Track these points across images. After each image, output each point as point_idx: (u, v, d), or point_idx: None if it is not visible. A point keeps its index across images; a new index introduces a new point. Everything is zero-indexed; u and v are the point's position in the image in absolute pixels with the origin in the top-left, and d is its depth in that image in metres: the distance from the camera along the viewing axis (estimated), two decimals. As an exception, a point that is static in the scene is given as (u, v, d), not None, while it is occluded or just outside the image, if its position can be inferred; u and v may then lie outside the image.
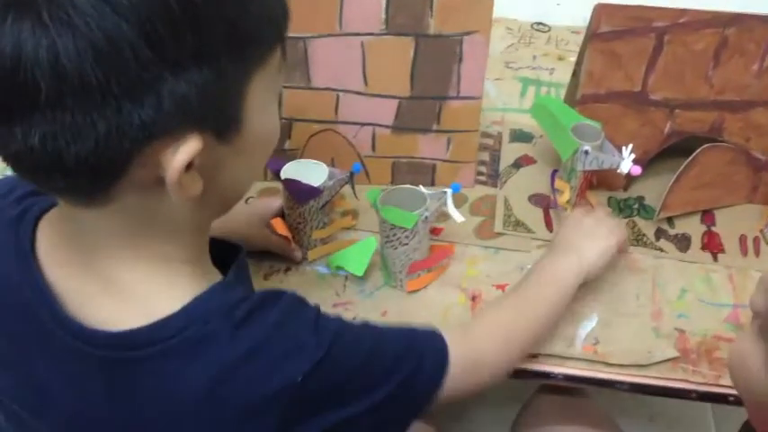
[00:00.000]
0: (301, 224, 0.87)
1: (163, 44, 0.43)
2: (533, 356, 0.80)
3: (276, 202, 0.89)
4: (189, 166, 0.48)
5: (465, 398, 0.70)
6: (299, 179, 0.83)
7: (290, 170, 0.84)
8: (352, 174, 0.86)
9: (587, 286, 0.87)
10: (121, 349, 0.52)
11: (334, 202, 0.89)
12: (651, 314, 0.85)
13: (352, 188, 0.89)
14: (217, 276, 0.58)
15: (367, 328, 0.62)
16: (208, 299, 0.53)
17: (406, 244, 0.82)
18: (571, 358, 0.81)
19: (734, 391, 0.78)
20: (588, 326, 0.83)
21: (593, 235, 0.84)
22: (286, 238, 0.87)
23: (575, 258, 0.81)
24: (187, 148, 0.47)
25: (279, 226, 0.86)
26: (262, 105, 0.53)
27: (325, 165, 0.86)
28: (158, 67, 0.44)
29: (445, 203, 0.84)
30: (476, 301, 0.85)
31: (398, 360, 0.61)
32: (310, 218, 0.86)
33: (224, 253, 0.60)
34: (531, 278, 0.80)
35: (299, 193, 0.84)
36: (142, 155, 0.46)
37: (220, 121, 0.50)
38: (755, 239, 0.94)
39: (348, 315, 0.83)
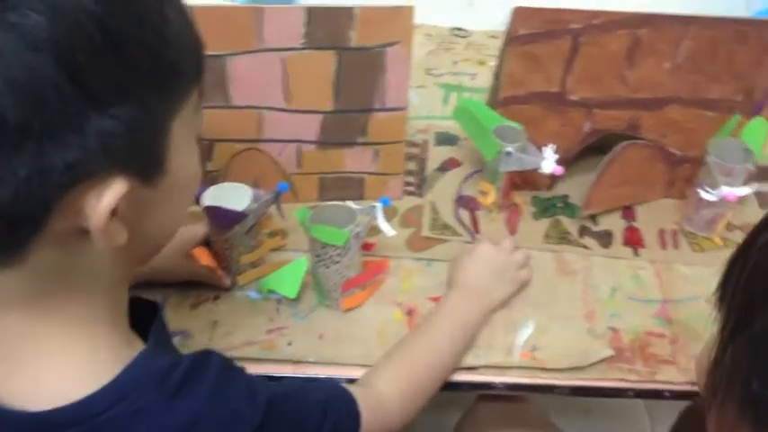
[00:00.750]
0: (227, 250, 0.84)
1: (86, 77, 0.41)
2: (472, 369, 0.80)
3: (200, 228, 0.85)
4: (113, 213, 0.45)
5: None
6: (221, 205, 0.80)
7: (211, 196, 0.81)
8: (278, 193, 0.84)
9: (521, 294, 0.88)
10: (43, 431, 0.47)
11: (261, 224, 0.87)
12: (584, 315, 0.86)
13: (278, 208, 0.87)
14: (137, 340, 0.55)
15: (290, 391, 0.61)
16: (136, 369, 0.50)
17: (338, 262, 0.81)
18: (510, 367, 0.81)
19: (669, 387, 0.80)
20: (525, 333, 0.84)
21: (502, 278, 0.85)
22: (210, 267, 0.84)
23: (485, 301, 0.83)
24: (113, 192, 0.44)
25: (202, 256, 0.83)
26: (184, 145, 0.51)
27: (247, 187, 0.83)
28: (82, 102, 0.41)
29: (375, 218, 0.83)
30: (412, 316, 0.85)
31: (320, 427, 0.62)
32: (237, 243, 0.84)
33: (137, 309, 0.57)
34: (439, 320, 0.80)
35: (221, 219, 0.81)
36: (64, 202, 0.43)
37: (146, 161, 0.47)
38: (673, 233, 0.97)
39: (283, 341, 0.82)
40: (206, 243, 0.85)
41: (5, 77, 0.39)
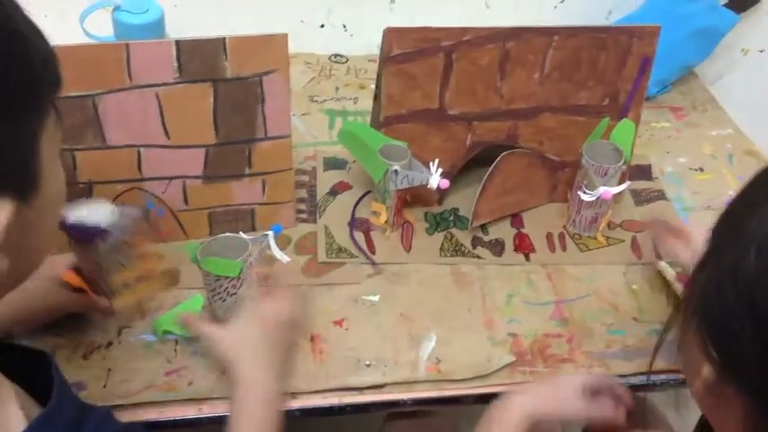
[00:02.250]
0: (96, 270, 0.79)
1: None
2: (379, 387, 0.80)
3: (65, 259, 0.81)
4: None
5: None
6: (83, 222, 0.75)
7: (74, 214, 0.75)
8: (146, 210, 0.81)
9: (422, 308, 0.89)
10: None
11: (134, 245, 0.81)
12: (484, 324, 0.88)
13: (148, 222, 0.84)
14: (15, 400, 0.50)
15: None
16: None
17: (235, 293, 0.79)
18: (417, 382, 0.81)
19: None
20: (428, 346, 0.85)
21: (279, 343, 0.73)
22: (83, 290, 0.80)
23: (273, 376, 0.72)
24: (4, 214, 0.44)
25: (72, 278, 0.80)
26: (51, 160, 0.50)
27: (109, 203, 0.78)
28: None
29: (268, 246, 0.82)
30: (315, 342, 0.84)
31: None
32: (105, 262, 0.79)
33: (25, 361, 0.53)
34: (245, 408, 0.69)
35: (82, 235, 0.76)
36: None
37: (22, 180, 0.47)
38: (560, 235, 1.00)
39: (183, 381, 0.79)
40: (76, 270, 0.81)
41: None
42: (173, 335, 0.82)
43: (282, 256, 0.83)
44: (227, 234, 0.81)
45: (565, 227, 1.01)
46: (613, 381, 0.79)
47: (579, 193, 0.95)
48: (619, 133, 0.95)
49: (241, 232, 0.81)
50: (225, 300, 0.79)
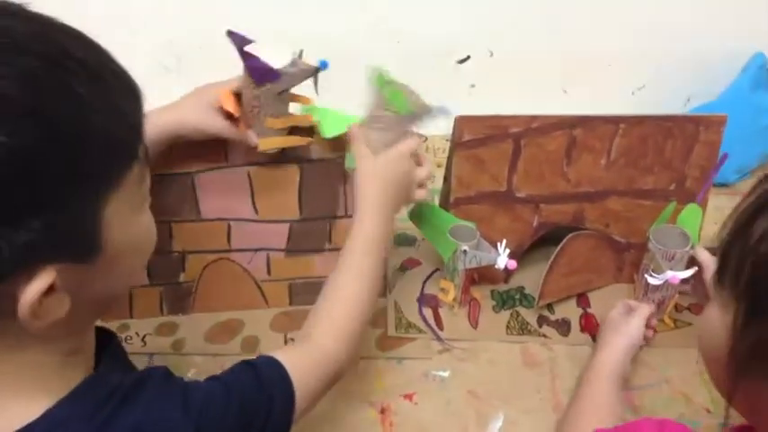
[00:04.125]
0: (256, 108, 0.83)
1: None
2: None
3: (226, 84, 0.84)
4: (49, 291, 0.47)
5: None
6: (260, 59, 0.80)
7: (254, 49, 0.81)
8: (317, 69, 0.82)
9: (490, 386, 0.91)
10: None
11: (297, 98, 0.86)
12: (553, 406, 0.89)
13: (315, 85, 0.84)
14: (87, 370, 0.57)
15: (222, 387, 0.63)
16: (69, 402, 0.52)
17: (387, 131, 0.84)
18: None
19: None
20: (495, 426, 0.87)
21: (400, 193, 0.86)
22: (232, 116, 0.83)
23: (387, 212, 0.84)
24: (37, 286, 0.47)
25: (228, 102, 0.82)
26: (124, 221, 0.52)
27: (291, 53, 0.82)
28: None
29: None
30: (386, 414, 0.88)
31: (254, 413, 0.63)
32: (265, 103, 0.83)
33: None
34: (352, 247, 0.81)
35: (255, 70, 0.80)
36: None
37: (74, 249, 0.49)
38: (627, 317, 1.01)
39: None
40: (236, 96, 0.84)
41: None
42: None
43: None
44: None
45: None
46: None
47: (646, 276, 0.96)
48: (686, 217, 0.97)
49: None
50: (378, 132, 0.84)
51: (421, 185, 0.89)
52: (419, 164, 0.88)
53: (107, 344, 0.60)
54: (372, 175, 0.83)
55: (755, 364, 0.52)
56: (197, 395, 0.60)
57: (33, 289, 0.47)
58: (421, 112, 0.86)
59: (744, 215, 0.54)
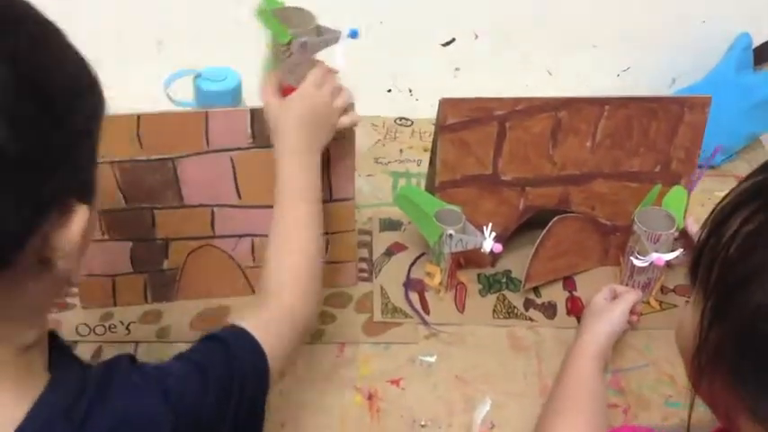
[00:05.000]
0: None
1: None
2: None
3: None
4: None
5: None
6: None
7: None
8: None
9: (477, 371, 0.91)
10: None
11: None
12: (539, 390, 0.90)
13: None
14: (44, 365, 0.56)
15: (196, 369, 0.63)
16: (41, 409, 0.51)
17: (286, 60, 0.83)
18: (470, 445, 0.83)
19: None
20: (483, 410, 0.87)
21: (323, 127, 0.84)
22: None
23: (314, 149, 0.83)
24: (80, 218, 0.49)
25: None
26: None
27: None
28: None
29: (336, 41, 0.85)
30: (372, 400, 0.88)
31: (229, 390, 0.63)
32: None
33: None
34: (287, 195, 0.81)
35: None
36: (34, 234, 0.47)
37: (89, 184, 0.52)
38: (613, 299, 1.01)
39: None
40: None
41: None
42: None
43: (340, 62, 0.85)
44: (301, 8, 0.85)
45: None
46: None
47: (632, 258, 0.96)
48: (671, 200, 0.97)
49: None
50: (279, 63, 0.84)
51: (345, 112, 0.87)
52: (335, 93, 0.86)
53: (53, 341, 0.58)
54: (284, 118, 0.82)
55: (718, 363, 0.52)
56: (171, 381, 0.59)
57: (78, 221, 0.49)
58: (318, 37, 0.84)
59: (720, 214, 0.54)
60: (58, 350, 0.57)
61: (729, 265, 0.51)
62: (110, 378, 0.56)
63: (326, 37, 0.85)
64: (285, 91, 0.85)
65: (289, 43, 0.83)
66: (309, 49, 0.84)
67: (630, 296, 0.92)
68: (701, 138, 0.97)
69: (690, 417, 0.60)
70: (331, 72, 0.86)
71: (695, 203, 1.00)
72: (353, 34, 0.85)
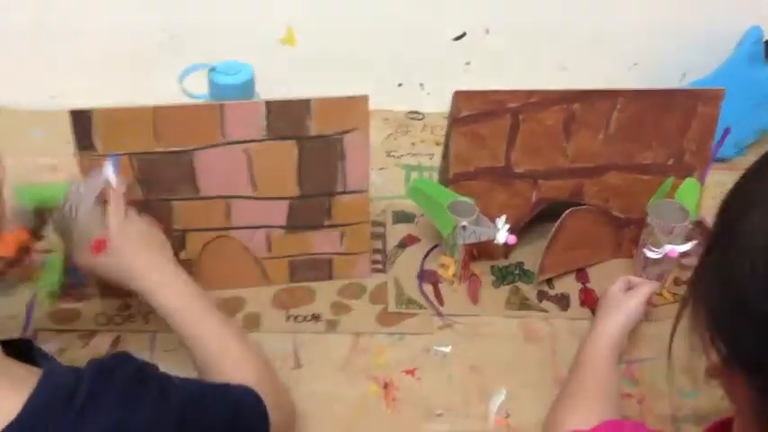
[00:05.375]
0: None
1: None
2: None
3: None
4: None
5: None
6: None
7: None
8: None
9: (492, 361, 0.92)
10: None
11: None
12: (554, 380, 0.90)
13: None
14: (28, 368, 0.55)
15: (202, 392, 0.63)
16: (41, 394, 0.52)
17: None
18: (486, 434, 0.84)
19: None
20: (498, 400, 0.88)
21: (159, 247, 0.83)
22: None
23: (171, 276, 0.81)
24: None
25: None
26: None
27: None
28: None
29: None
30: (388, 389, 0.89)
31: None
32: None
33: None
34: (192, 326, 0.77)
35: None
36: None
37: None
38: (627, 291, 1.02)
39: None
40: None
41: None
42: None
43: (115, 181, 0.83)
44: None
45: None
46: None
47: (645, 250, 0.97)
48: (684, 192, 0.97)
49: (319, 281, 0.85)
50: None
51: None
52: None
53: (29, 348, 0.59)
54: (128, 263, 0.79)
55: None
56: (176, 389, 0.59)
57: None
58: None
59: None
60: (41, 356, 0.57)
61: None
62: (109, 374, 0.56)
63: (93, 181, 0.83)
64: (98, 244, 0.80)
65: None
66: (85, 196, 0.82)
67: (646, 287, 0.93)
68: (714, 130, 0.98)
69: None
70: (117, 195, 0.83)
71: (707, 196, 1.00)
72: (114, 162, 0.84)
